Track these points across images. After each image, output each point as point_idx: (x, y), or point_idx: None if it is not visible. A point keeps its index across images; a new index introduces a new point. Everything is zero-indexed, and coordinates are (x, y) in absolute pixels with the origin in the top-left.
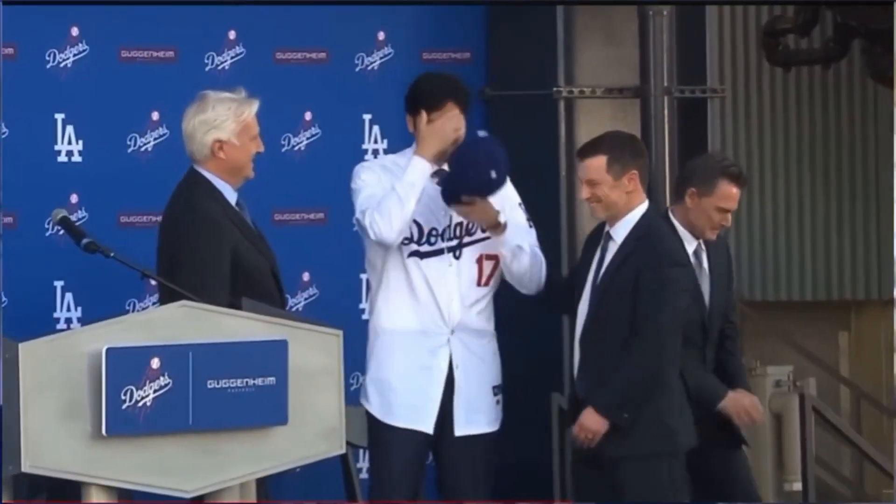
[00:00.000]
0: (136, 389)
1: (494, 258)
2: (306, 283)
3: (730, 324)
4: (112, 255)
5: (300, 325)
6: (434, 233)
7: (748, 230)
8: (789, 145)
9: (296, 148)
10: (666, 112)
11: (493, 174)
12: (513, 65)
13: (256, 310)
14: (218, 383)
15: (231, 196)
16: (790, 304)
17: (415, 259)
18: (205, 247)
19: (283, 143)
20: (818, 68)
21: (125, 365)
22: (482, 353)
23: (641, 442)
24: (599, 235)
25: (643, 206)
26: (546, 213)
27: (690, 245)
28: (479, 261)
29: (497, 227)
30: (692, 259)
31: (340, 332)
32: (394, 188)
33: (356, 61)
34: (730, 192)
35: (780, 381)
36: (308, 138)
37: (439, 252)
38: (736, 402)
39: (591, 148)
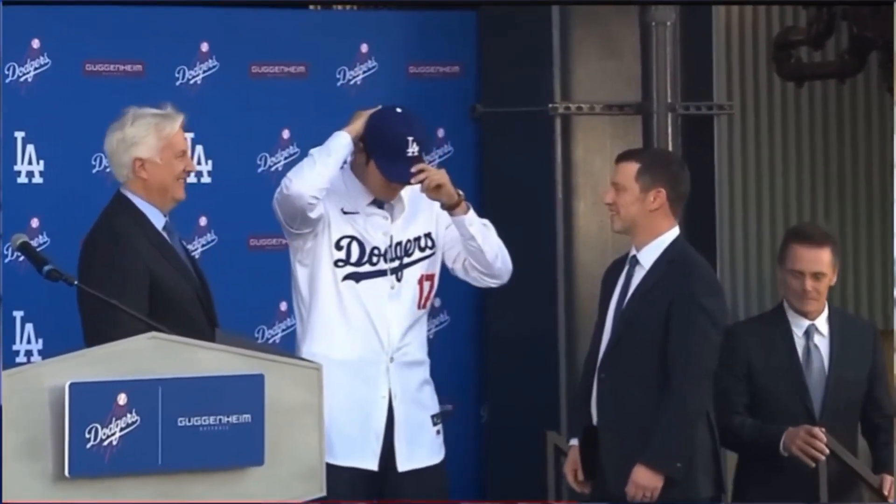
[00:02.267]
0: (102, 427)
1: (432, 278)
2: (283, 313)
3: (884, 417)
4: (76, 283)
5: (277, 359)
6: (376, 252)
7: (757, 256)
8: (802, 166)
9: (273, 168)
10: (669, 130)
11: (399, 110)
12: (505, 79)
13: (230, 342)
14: (189, 421)
15: (158, 219)
16: None
17: (350, 283)
18: (119, 266)
19: (259, 162)
20: (833, 83)
21: (90, 401)
22: (419, 381)
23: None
24: (618, 270)
25: (674, 232)
26: (540, 239)
27: (800, 327)
28: (420, 282)
29: (458, 205)
30: (801, 338)
31: (321, 366)
32: (309, 153)
33: (338, 75)
34: (798, 253)
35: None
36: (286, 158)
37: (381, 273)
38: (792, 439)
39: (630, 153)
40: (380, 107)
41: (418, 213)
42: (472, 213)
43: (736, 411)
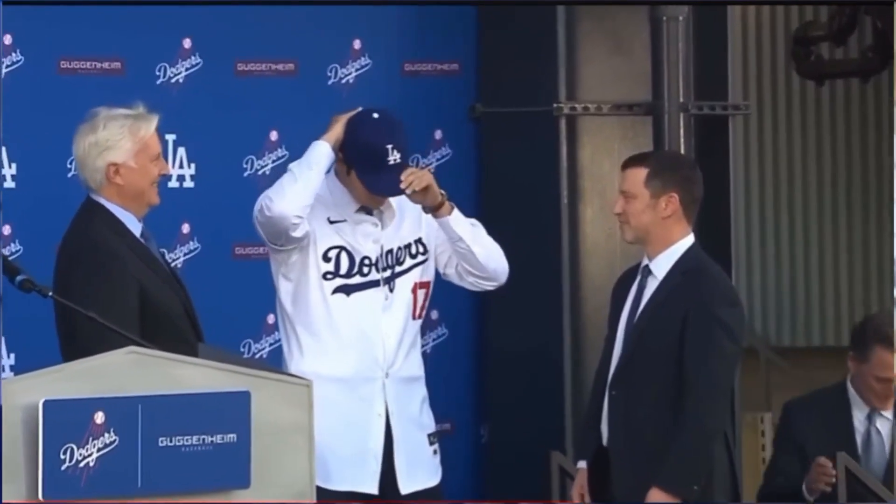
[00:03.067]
0: (78, 448)
1: (426, 286)
2: (271, 326)
3: None
4: (50, 294)
5: (265, 375)
6: (367, 262)
7: (776, 266)
8: (822, 170)
9: (260, 172)
10: (682, 131)
11: (375, 115)
12: (507, 78)
13: (214, 357)
14: (171, 441)
15: (135, 226)
16: (824, 351)
17: (340, 296)
18: (107, 282)
19: (245, 166)
20: (855, 81)
21: (65, 420)
22: (416, 397)
23: None
24: (629, 282)
25: (688, 240)
26: (545, 248)
27: (862, 410)
28: (414, 290)
29: (442, 205)
30: (862, 422)
31: (311, 383)
32: (288, 168)
33: (329, 73)
34: (886, 361)
35: None
36: (274, 161)
37: (374, 284)
38: (809, 477)
39: (636, 158)
40: (359, 109)
41: (406, 217)
42: (457, 213)
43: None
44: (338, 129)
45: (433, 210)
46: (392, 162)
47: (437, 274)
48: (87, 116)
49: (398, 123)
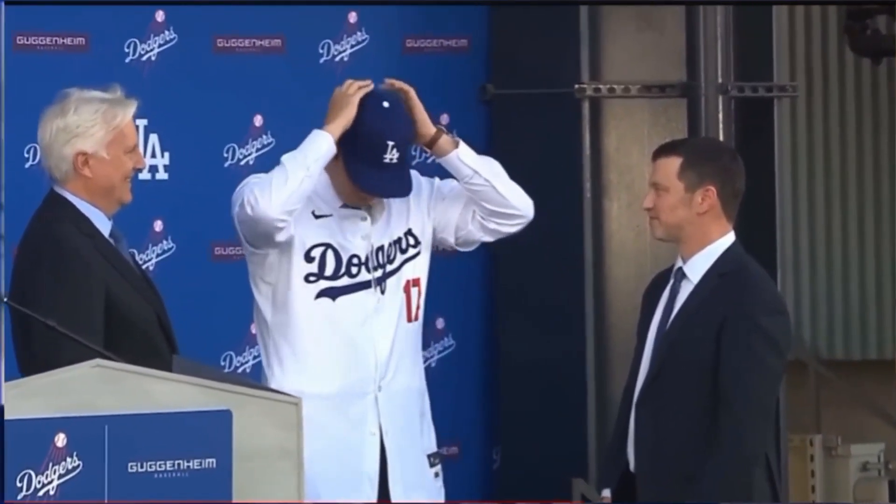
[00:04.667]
0: (37, 474)
1: (419, 283)
2: (254, 336)
3: None
4: (5, 300)
5: (248, 392)
6: (355, 261)
7: (827, 269)
8: (879, 157)
9: (242, 162)
10: (720, 115)
11: (385, 104)
12: (522, 55)
13: (190, 371)
14: (142, 466)
15: (103, 225)
16: (881, 365)
17: (325, 301)
18: (69, 284)
19: (225, 155)
20: None
21: (22, 442)
22: (414, 412)
23: None
24: (661, 286)
25: (728, 239)
26: (565, 247)
27: None
28: (406, 289)
29: (438, 137)
30: None
31: (299, 401)
32: (280, 161)
33: (320, 50)
34: None
35: (867, 464)
36: (258, 149)
37: (364, 286)
38: None
39: (669, 147)
40: (370, 86)
41: (394, 209)
42: (464, 147)
43: None
44: (348, 114)
45: (429, 145)
46: (388, 161)
47: (438, 273)
48: (57, 98)
49: (408, 120)
